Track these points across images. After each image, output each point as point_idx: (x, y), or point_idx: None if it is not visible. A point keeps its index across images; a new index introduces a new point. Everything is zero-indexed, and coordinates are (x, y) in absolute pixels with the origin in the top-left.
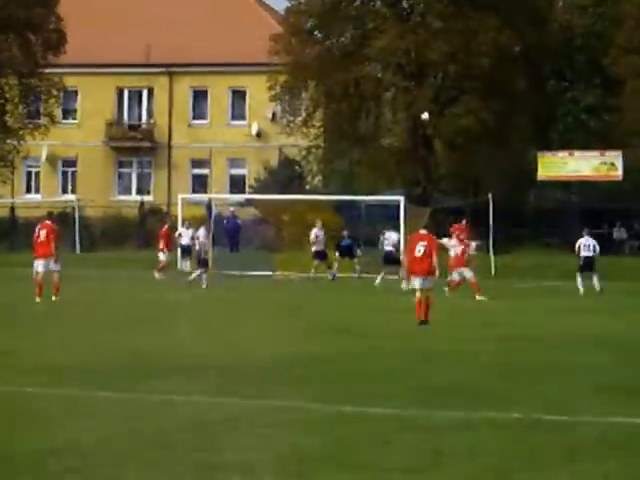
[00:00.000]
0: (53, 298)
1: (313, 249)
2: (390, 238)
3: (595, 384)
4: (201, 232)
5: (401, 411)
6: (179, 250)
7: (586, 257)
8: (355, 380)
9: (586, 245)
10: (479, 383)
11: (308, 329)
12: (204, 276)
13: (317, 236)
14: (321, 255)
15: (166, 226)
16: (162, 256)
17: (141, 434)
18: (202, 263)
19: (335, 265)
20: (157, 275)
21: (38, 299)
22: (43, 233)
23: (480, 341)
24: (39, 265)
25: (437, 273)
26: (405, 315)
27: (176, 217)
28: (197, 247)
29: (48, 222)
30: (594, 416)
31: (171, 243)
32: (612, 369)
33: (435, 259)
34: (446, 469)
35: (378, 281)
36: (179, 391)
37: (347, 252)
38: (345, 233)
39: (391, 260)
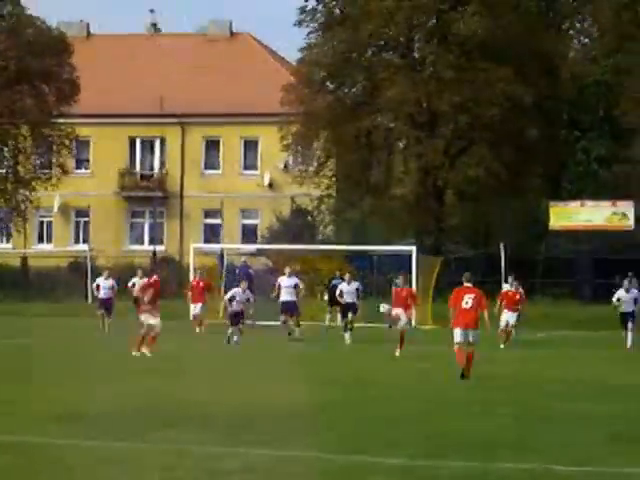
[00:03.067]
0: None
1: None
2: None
3: (610, 434)
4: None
5: (412, 461)
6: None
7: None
8: (369, 429)
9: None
10: (491, 432)
11: (320, 378)
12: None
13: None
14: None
15: (197, 278)
16: (197, 309)
17: None
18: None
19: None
20: (197, 329)
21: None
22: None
23: (491, 390)
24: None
25: (488, 324)
26: (413, 363)
27: (202, 270)
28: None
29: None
30: (609, 467)
31: (203, 296)
32: (627, 419)
33: (485, 312)
34: None
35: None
36: (194, 441)
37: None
38: (338, 273)
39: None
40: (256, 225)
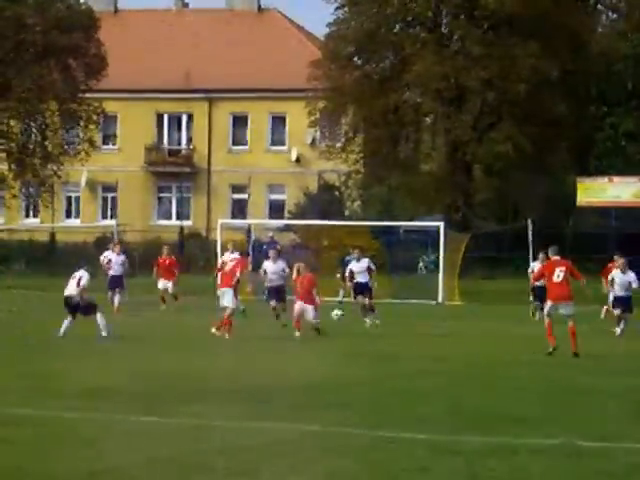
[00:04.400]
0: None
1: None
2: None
3: (631, 409)
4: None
5: (438, 436)
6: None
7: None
8: (392, 404)
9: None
10: (517, 408)
11: (341, 353)
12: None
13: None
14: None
15: (164, 255)
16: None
17: (183, 458)
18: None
19: (341, 292)
20: (162, 306)
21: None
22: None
23: (518, 365)
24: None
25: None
26: (441, 339)
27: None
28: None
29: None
30: (635, 442)
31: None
32: None
33: (582, 280)
34: None
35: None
36: (219, 415)
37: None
38: (355, 251)
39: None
40: (283, 201)
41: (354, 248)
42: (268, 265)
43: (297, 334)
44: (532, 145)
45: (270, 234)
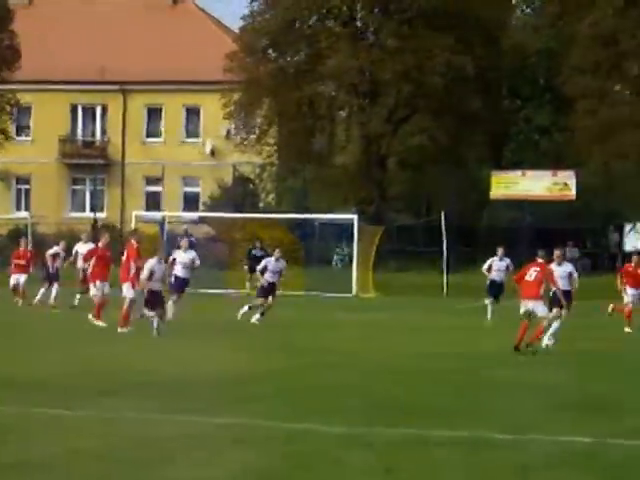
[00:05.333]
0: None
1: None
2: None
3: (547, 402)
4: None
5: (351, 428)
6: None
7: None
8: (305, 397)
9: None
10: (431, 400)
11: (254, 346)
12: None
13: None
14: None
15: (22, 247)
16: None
17: (92, 451)
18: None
19: (247, 283)
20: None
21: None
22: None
23: (432, 359)
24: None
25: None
26: (354, 331)
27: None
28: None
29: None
30: (546, 434)
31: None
32: (563, 387)
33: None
34: None
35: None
36: (131, 408)
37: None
38: (258, 243)
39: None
40: (198, 193)
41: (260, 241)
42: (178, 254)
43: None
44: (446, 138)
45: (184, 226)
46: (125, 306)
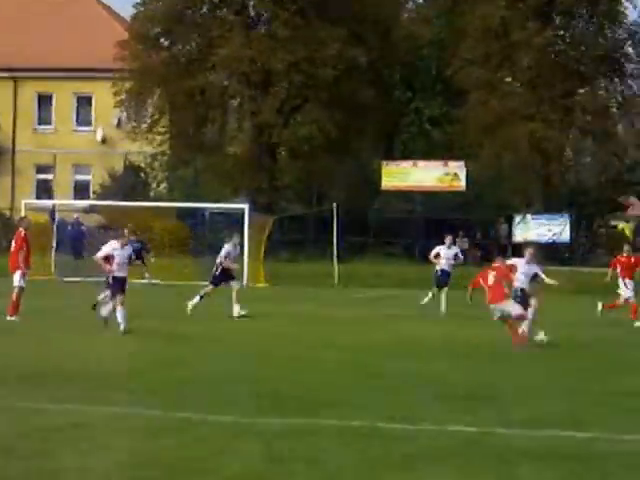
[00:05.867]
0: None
1: None
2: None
3: (435, 392)
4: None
5: (239, 418)
6: None
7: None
8: (194, 387)
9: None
10: (320, 390)
11: (144, 336)
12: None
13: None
14: None
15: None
16: None
17: None
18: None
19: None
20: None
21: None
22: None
23: (322, 348)
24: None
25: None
26: (243, 322)
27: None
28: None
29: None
30: (433, 424)
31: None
32: (450, 377)
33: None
34: (283, 476)
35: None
36: (22, 398)
37: (136, 256)
38: (133, 237)
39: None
40: (89, 181)
41: (136, 233)
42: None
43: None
44: (338, 129)
45: (75, 215)
46: (14, 294)
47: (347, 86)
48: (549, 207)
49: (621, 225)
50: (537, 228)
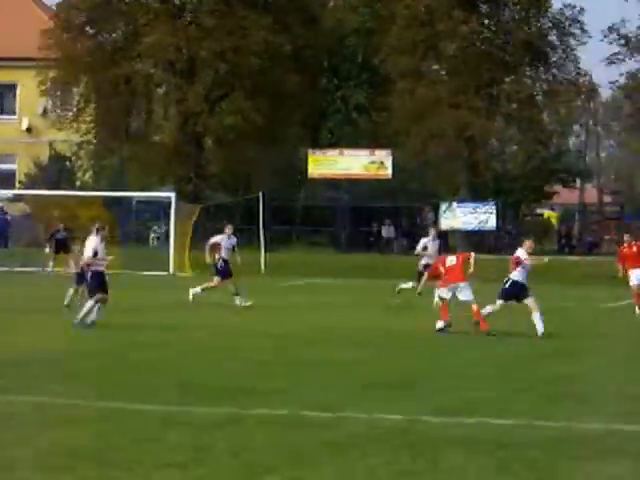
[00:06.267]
0: None
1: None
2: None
3: (358, 381)
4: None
5: (164, 407)
6: None
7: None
8: (121, 376)
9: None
10: (244, 379)
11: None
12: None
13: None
14: None
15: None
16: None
17: None
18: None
19: (50, 263)
20: None
21: None
22: None
23: (247, 337)
24: None
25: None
26: (171, 311)
27: None
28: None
29: None
30: (358, 412)
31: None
32: (373, 365)
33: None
34: (207, 465)
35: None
36: None
37: (62, 246)
38: (61, 226)
39: None
40: (14, 170)
41: (64, 225)
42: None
43: None
44: (264, 117)
45: (0, 204)
46: None
47: (273, 74)
48: (475, 195)
49: (547, 213)
50: (464, 216)
